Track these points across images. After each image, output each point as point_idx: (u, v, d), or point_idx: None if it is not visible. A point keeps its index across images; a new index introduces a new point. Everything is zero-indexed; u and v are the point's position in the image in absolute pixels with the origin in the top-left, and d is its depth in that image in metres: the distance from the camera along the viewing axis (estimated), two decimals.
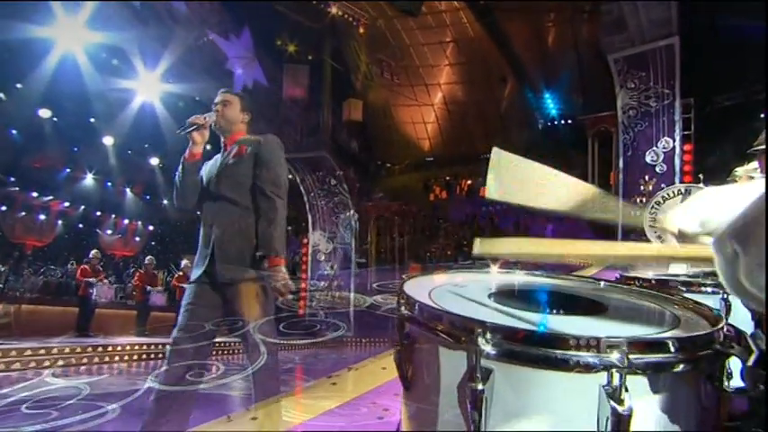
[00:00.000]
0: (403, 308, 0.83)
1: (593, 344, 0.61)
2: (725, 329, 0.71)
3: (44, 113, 12.75)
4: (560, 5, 11.64)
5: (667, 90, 8.42)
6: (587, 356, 0.62)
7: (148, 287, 8.97)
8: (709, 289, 1.86)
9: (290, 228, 14.24)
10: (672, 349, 0.64)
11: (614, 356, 0.61)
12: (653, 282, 1.86)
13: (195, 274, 2.11)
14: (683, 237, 0.72)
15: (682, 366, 0.65)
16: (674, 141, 8.37)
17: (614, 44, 8.74)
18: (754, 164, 3.74)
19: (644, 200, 8.69)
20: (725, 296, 1.81)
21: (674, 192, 4.49)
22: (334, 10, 13.41)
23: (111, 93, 9.89)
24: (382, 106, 18.45)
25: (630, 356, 0.60)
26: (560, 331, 0.67)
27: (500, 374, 0.67)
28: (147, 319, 8.79)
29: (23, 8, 7.58)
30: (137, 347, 5.95)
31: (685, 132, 8.48)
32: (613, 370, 0.61)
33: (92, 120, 13.36)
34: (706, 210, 0.69)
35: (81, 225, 20.01)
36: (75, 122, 13.41)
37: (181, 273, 9.00)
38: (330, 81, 14.47)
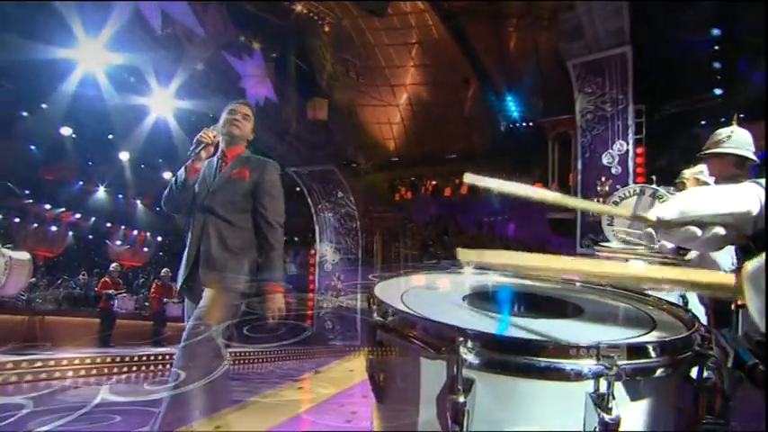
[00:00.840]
0: (375, 313, 0.78)
1: (584, 351, 0.59)
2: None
3: (65, 131, 13.22)
4: (522, 12, 11.97)
5: (621, 96, 8.84)
6: (576, 364, 0.59)
7: (165, 299, 9.15)
8: (667, 286, 1.92)
9: (296, 239, 14.08)
10: (654, 353, 0.63)
11: (603, 363, 0.58)
12: None
13: (179, 282, 2.14)
14: (660, 225, 0.70)
15: (663, 370, 0.63)
16: (628, 145, 8.80)
17: (572, 51, 9.08)
18: (700, 167, 3.96)
19: (601, 200, 9.08)
20: (683, 293, 1.88)
21: (629, 192, 4.70)
22: (299, 8, 13.18)
23: (127, 110, 10.27)
24: (347, 106, 18.32)
25: (619, 362, 0.58)
26: (546, 337, 0.64)
27: (482, 385, 0.63)
28: (163, 329, 8.92)
29: (47, 30, 8.06)
30: (153, 357, 5.93)
31: (637, 136, 8.94)
32: (601, 377, 0.58)
33: (110, 136, 13.80)
34: (688, 201, 0.68)
35: (91, 236, 20.39)
36: (93, 138, 13.82)
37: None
38: (295, 79, 14.23)
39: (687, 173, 4.20)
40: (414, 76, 17.49)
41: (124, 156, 14.93)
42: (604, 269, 0.84)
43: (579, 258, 0.80)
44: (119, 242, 20.63)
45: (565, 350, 0.59)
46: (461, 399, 0.61)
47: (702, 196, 0.66)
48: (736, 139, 2.36)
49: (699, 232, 0.66)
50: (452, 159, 18.37)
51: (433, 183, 18.11)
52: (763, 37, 8.12)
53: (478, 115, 16.70)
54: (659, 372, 0.63)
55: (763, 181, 0.70)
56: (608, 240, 4.46)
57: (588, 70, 9.07)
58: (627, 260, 3.43)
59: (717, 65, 9.70)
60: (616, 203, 4.48)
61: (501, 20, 12.67)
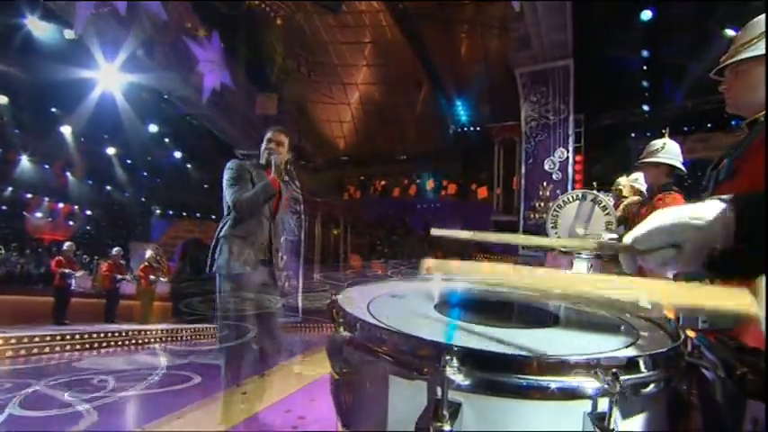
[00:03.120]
0: (341, 328, 0.67)
1: (584, 367, 0.52)
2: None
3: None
4: (473, 18, 12.30)
5: (563, 106, 9.34)
6: (578, 382, 0.52)
7: (118, 276, 8.90)
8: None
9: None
10: (648, 367, 0.58)
11: (607, 380, 0.52)
12: None
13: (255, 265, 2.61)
14: (635, 251, 0.66)
15: (656, 384, 0.58)
16: (568, 152, 9.31)
17: (520, 60, 9.45)
18: (635, 175, 4.23)
19: (542, 204, 9.53)
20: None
21: (572, 197, 4.91)
22: None
23: (72, 82, 10.02)
24: (297, 102, 17.89)
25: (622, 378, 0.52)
26: (540, 353, 0.57)
27: (469, 409, 0.54)
28: (116, 307, 8.79)
29: None
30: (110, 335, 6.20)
31: (576, 145, 9.48)
32: (601, 395, 0.52)
33: (52, 109, 13.14)
34: (658, 223, 0.64)
35: (5, 207, 18.28)
36: (27, 107, 13.00)
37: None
38: (244, 71, 13.64)
39: (623, 180, 4.47)
40: (366, 75, 17.42)
41: (65, 129, 14.02)
42: (562, 283, 0.80)
43: (538, 269, 0.75)
44: (39, 214, 19.04)
45: (564, 367, 0.52)
46: (447, 427, 0.52)
47: (672, 216, 0.64)
48: (669, 150, 2.52)
49: (674, 252, 0.63)
50: (402, 160, 18.54)
51: (382, 183, 18.16)
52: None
53: (429, 118, 16.96)
54: (652, 387, 0.58)
55: (725, 197, 0.69)
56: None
57: (534, 79, 9.49)
58: (571, 260, 3.58)
59: (645, 83, 10.52)
60: (560, 207, 4.69)
61: (453, 25, 12.93)
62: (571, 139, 9.34)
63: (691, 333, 0.70)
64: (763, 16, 1.08)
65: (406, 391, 0.59)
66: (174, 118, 11.88)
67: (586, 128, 9.67)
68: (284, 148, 2.76)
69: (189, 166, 14.59)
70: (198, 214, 14.84)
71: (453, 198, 15.09)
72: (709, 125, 9.76)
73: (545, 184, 9.56)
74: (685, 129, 9.47)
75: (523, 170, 9.84)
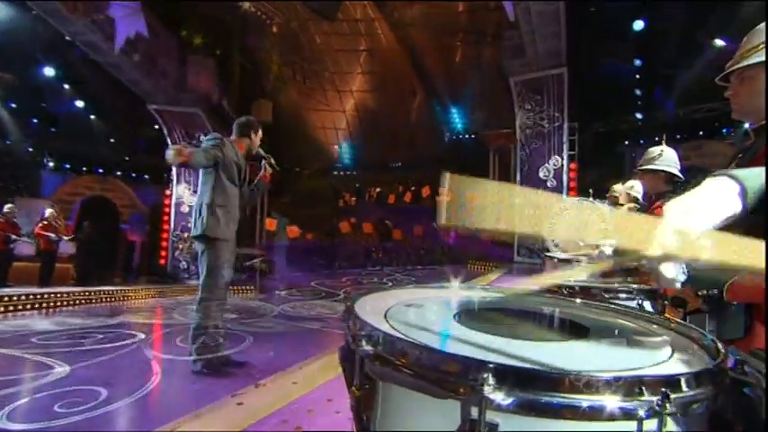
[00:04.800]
0: (364, 342, 0.63)
1: (632, 386, 0.48)
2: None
3: None
4: (467, 26, 12.41)
5: (557, 113, 9.40)
6: (624, 402, 0.48)
7: (13, 236, 8.08)
8: (624, 294, 1.95)
9: (147, 177, 13.14)
10: (694, 384, 0.54)
11: (653, 399, 0.48)
12: (577, 288, 1.89)
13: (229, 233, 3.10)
14: (668, 256, 0.63)
15: (704, 402, 0.55)
16: (563, 160, 9.36)
17: (514, 68, 9.52)
18: (631, 182, 4.23)
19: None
20: (640, 302, 1.91)
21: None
22: (246, 5, 12.66)
23: None
24: (293, 109, 17.88)
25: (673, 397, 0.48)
26: (587, 371, 0.53)
27: (507, 430, 0.50)
28: (8, 270, 8.01)
29: None
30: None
31: (571, 152, 9.53)
32: (651, 416, 0.48)
33: None
34: (681, 220, 0.61)
35: None
36: None
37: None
38: (239, 79, 13.61)
39: (618, 188, 4.48)
40: (361, 82, 17.48)
41: None
42: None
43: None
44: None
45: (615, 386, 0.48)
46: None
47: (691, 208, 0.61)
48: (667, 157, 2.51)
49: (707, 243, 0.60)
50: (397, 167, 18.55)
51: (377, 190, 18.12)
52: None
53: (423, 125, 17.02)
54: (697, 406, 0.55)
55: (735, 172, 0.68)
56: (548, 250, 4.65)
57: (528, 87, 9.55)
58: (572, 268, 3.55)
59: (638, 92, 10.65)
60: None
61: (448, 33, 13.03)
62: (565, 147, 9.39)
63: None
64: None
65: (436, 410, 0.55)
66: (77, 63, 10.54)
67: (580, 135, 9.74)
68: (258, 137, 3.34)
69: (93, 117, 12.97)
70: (101, 170, 13.15)
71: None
72: (701, 133, 9.88)
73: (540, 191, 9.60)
74: (678, 136, 9.57)
75: (518, 178, 9.87)
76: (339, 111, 18.52)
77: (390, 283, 8.54)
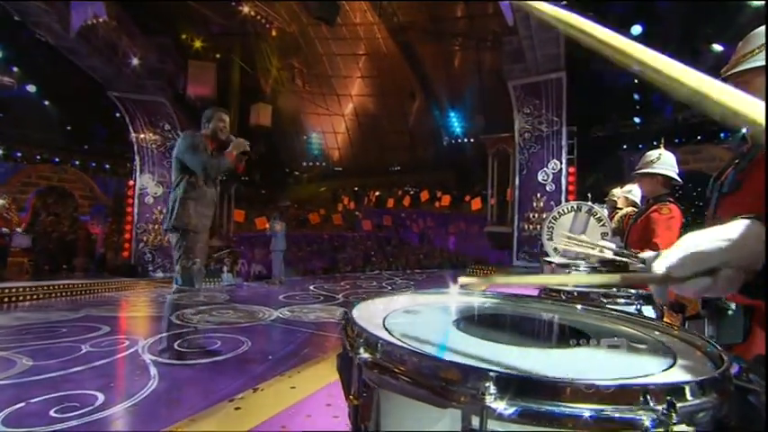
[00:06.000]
0: (362, 350, 0.62)
1: (638, 395, 0.47)
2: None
3: None
4: (466, 31, 12.46)
5: (556, 118, 9.42)
6: (630, 411, 0.47)
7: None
8: (622, 299, 1.94)
9: (107, 166, 12.76)
10: (700, 392, 0.53)
11: (658, 408, 0.47)
12: (575, 294, 1.88)
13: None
14: (670, 281, 0.62)
15: (709, 411, 0.54)
16: (561, 164, 9.37)
17: (513, 72, 9.55)
18: (629, 186, 4.23)
19: (536, 215, 9.56)
20: (638, 307, 1.90)
21: (567, 208, 4.90)
22: (246, 9, 12.69)
23: None
24: (292, 113, 17.92)
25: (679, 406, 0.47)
26: (592, 379, 0.52)
27: None
28: None
29: None
30: None
31: (569, 156, 9.55)
32: (656, 426, 0.47)
33: None
34: (690, 249, 0.60)
35: None
36: None
37: None
38: (238, 82, 13.65)
39: (617, 192, 4.48)
40: (360, 86, 17.54)
41: None
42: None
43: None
44: None
45: (621, 394, 0.47)
46: None
47: (705, 240, 0.59)
48: (665, 161, 2.50)
49: (710, 281, 0.59)
50: (396, 171, 18.57)
51: (377, 193, 18.14)
52: None
53: (423, 129, 17.06)
54: (703, 415, 0.54)
55: (751, 215, 0.66)
56: (547, 254, 4.64)
57: (527, 92, 9.58)
58: (569, 272, 3.54)
59: (637, 96, 10.69)
60: (555, 219, 4.68)
61: (447, 38, 13.08)
62: (564, 151, 9.41)
63: None
64: (763, 27, 1.07)
65: (436, 419, 0.54)
66: (29, 46, 9.98)
67: (579, 140, 9.76)
68: (227, 126, 3.34)
69: (47, 103, 12.41)
70: (57, 159, 12.38)
71: (447, 209, 15.08)
72: (699, 137, 9.91)
73: (539, 195, 9.60)
74: (676, 141, 9.60)
75: (517, 181, 9.88)
76: (338, 114, 18.57)
77: (390, 288, 8.51)
